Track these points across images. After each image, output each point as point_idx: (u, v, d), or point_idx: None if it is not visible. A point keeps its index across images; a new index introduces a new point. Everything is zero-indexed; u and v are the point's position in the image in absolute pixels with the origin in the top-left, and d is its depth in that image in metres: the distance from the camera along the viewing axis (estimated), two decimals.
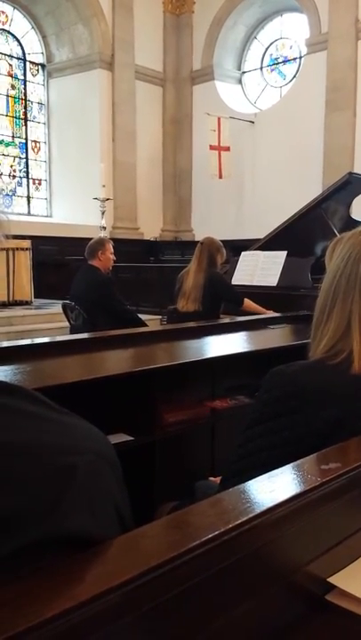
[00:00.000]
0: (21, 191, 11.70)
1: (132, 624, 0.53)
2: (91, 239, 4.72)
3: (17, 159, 11.61)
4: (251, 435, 1.10)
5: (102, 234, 7.84)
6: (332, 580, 0.79)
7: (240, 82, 12.39)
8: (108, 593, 0.50)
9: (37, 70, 11.82)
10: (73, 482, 0.55)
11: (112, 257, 4.60)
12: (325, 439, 0.98)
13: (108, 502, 0.60)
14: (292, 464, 0.83)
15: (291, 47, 11.63)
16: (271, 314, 4.12)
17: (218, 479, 1.46)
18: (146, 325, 4.42)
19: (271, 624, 0.72)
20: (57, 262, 9.54)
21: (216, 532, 0.61)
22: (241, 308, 4.25)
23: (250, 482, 0.76)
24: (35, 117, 11.85)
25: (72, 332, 4.57)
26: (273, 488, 0.75)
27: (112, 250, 4.60)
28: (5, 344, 2.50)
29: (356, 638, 0.75)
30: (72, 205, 11.47)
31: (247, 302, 4.28)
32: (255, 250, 5.28)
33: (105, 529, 0.57)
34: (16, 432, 0.56)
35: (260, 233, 5.92)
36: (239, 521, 0.64)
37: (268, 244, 5.26)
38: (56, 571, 0.51)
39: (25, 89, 11.61)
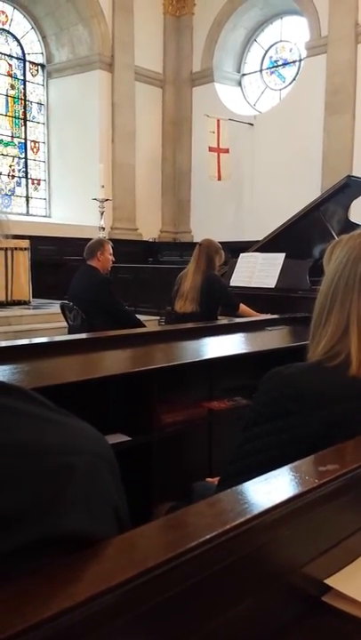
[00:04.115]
0: (20, 191, 11.69)
1: (130, 624, 0.53)
2: (89, 240, 4.73)
3: (16, 159, 11.61)
4: (248, 436, 1.10)
5: (101, 234, 7.83)
6: (328, 581, 0.79)
7: (240, 84, 12.40)
8: (106, 593, 0.50)
9: (37, 70, 11.82)
10: (70, 481, 0.55)
11: (111, 258, 4.61)
12: (323, 441, 0.98)
13: (106, 502, 0.60)
14: (289, 465, 0.83)
15: (291, 50, 11.65)
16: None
17: (215, 480, 1.46)
18: (144, 326, 4.42)
19: (268, 625, 0.72)
20: (55, 262, 9.54)
21: (213, 533, 0.61)
22: (236, 312, 4.25)
23: (247, 483, 0.76)
24: (34, 117, 11.84)
25: (70, 332, 4.57)
26: (270, 489, 0.75)
27: (111, 251, 4.60)
28: (3, 344, 2.50)
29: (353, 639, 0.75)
30: (71, 206, 11.47)
31: (243, 307, 4.28)
32: (254, 252, 5.28)
33: (102, 529, 0.57)
34: (14, 432, 0.56)
35: (259, 235, 5.92)
36: (237, 522, 0.64)
37: (267, 245, 5.27)
38: (53, 570, 0.51)
39: (24, 89, 11.61)
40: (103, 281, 4.51)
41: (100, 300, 4.36)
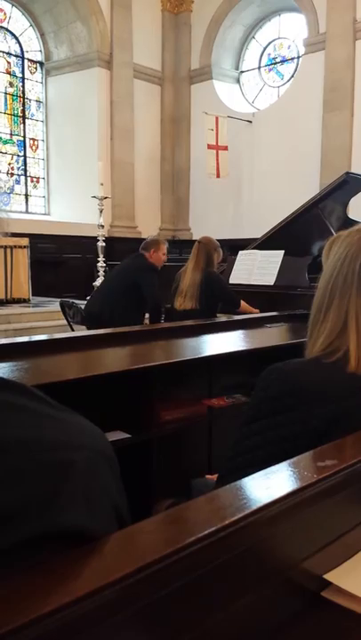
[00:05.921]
0: (19, 189, 11.67)
1: (129, 620, 0.53)
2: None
3: (15, 157, 11.59)
4: (247, 432, 1.10)
5: (100, 232, 7.82)
6: (327, 576, 0.79)
7: (238, 81, 12.38)
8: (105, 588, 0.50)
9: (36, 68, 11.80)
10: (70, 477, 0.55)
11: (164, 258, 4.76)
12: (321, 437, 0.98)
13: (106, 498, 0.60)
14: (288, 461, 0.83)
15: (289, 47, 11.62)
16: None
17: (214, 477, 1.47)
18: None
19: (267, 620, 0.72)
20: (55, 260, 9.53)
21: (212, 529, 0.61)
22: (238, 309, 4.26)
23: (246, 479, 0.76)
24: (33, 115, 11.82)
25: (72, 329, 4.59)
26: (269, 485, 0.75)
27: (165, 251, 4.75)
28: (3, 341, 2.50)
29: (352, 634, 0.75)
30: (70, 203, 11.45)
31: (244, 305, 4.29)
32: (253, 249, 5.28)
33: (102, 525, 0.58)
34: (14, 428, 0.56)
35: (258, 232, 5.92)
36: (235, 517, 0.64)
37: (266, 243, 5.26)
38: (53, 566, 0.51)
39: (23, 87, 11.59)
40: (150, 266, 4.59)
41: (141, 282, 4.41)
